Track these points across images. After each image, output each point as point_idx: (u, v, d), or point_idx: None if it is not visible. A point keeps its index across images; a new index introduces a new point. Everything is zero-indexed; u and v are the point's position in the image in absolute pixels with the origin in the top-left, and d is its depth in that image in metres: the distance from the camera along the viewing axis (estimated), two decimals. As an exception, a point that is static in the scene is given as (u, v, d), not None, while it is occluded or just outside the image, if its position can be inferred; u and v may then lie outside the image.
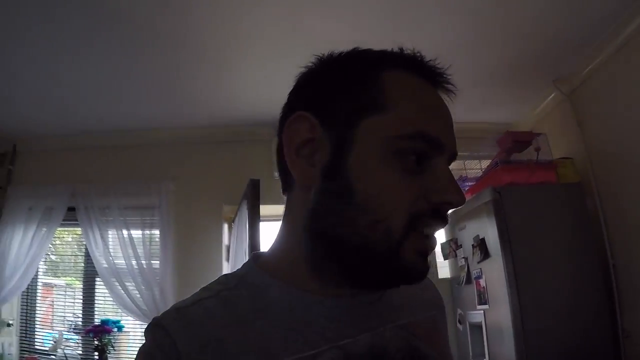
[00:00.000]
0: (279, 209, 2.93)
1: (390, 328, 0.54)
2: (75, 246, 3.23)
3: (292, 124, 0.52)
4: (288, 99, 0.58)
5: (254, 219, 2.17)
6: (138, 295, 2.74)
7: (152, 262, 2.81)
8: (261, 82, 2.50)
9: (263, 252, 0.59)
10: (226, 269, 2.81)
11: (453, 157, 0.52)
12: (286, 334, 0.49)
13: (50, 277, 3.19)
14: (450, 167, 0.53)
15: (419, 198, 0.48)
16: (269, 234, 2.72)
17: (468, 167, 2.75)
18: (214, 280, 0.56)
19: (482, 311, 2.29)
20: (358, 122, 0.49)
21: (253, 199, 2.22)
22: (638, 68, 2.04)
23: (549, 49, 2.27)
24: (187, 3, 1.87)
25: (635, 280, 2.11)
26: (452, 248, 2.59)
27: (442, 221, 0.50)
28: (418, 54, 0.54)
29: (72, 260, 3.20)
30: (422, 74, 0.53)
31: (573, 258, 2.14)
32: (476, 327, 2.39)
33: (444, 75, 0.54)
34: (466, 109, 2.78)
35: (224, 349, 0.47)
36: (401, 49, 0.54)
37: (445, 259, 2.63)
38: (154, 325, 0.50)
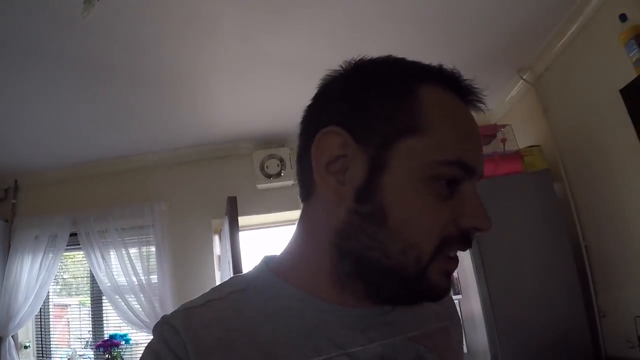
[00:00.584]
0: (260, 219, 3.08)
1: (402, 339, 0.53)
2: (87, 265, 3.41)
3: (324, 138, 0.50)
4: (314, 104, 0.55)
5: (234, 232, 2.32)
6: (140, 309, 2.90)
7: (151, 277, 2.97)
8: (232, 102, 2.65)
9: (275, 255, 0.58)
10: (218, 277, 2.96)
11: (479, 179, 0.51)
12: (295, 338, 0.48)
13: (65, 297, 3.36)
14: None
15: (449, 223, 0.48)
16: (250, 242, 2.89)
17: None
18: (225, 281, 0.56)
19: (457, 301, 2.36)
20: (396, 143, 0.48)
21: (231, 215, 2.37)
22: (597, 51, 2.01)
23: (511, 39, 2.26)
24: (157, 46, 2.05)
25: (608, 260, 2.11)
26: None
27: (468, 245, 0.50)
28: (456, 71, 0.52)
29: (85, 281, 3.34)
30: (458, 91, 0.52)
31: (544, 243, 2.15)
32: (454, 317, 2.47)
33: (479, 95, 0.53)
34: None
35: (231, 351, 0.47)
36: (440, 65, 0.53)
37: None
38: (162, 323, 0.50)
